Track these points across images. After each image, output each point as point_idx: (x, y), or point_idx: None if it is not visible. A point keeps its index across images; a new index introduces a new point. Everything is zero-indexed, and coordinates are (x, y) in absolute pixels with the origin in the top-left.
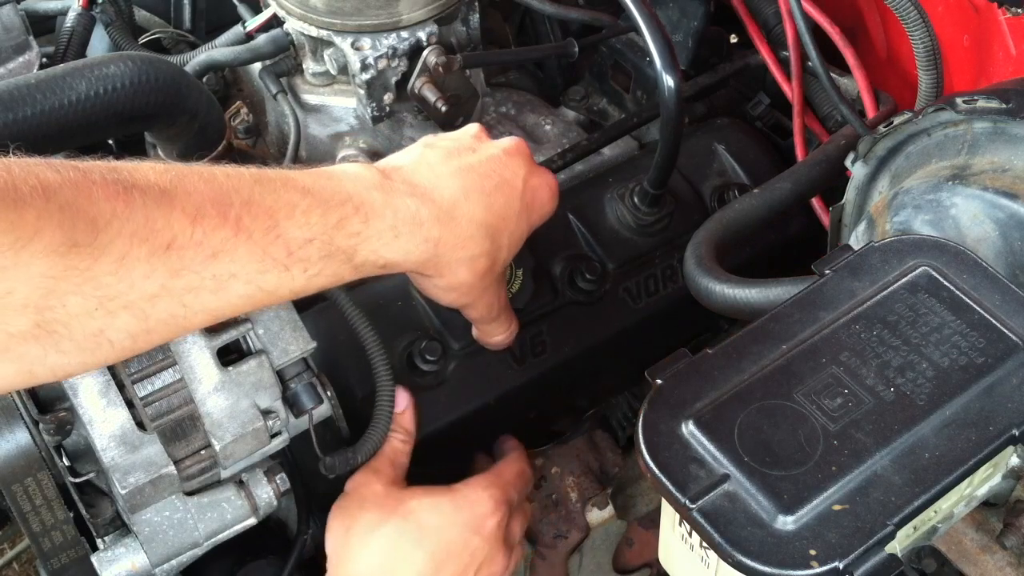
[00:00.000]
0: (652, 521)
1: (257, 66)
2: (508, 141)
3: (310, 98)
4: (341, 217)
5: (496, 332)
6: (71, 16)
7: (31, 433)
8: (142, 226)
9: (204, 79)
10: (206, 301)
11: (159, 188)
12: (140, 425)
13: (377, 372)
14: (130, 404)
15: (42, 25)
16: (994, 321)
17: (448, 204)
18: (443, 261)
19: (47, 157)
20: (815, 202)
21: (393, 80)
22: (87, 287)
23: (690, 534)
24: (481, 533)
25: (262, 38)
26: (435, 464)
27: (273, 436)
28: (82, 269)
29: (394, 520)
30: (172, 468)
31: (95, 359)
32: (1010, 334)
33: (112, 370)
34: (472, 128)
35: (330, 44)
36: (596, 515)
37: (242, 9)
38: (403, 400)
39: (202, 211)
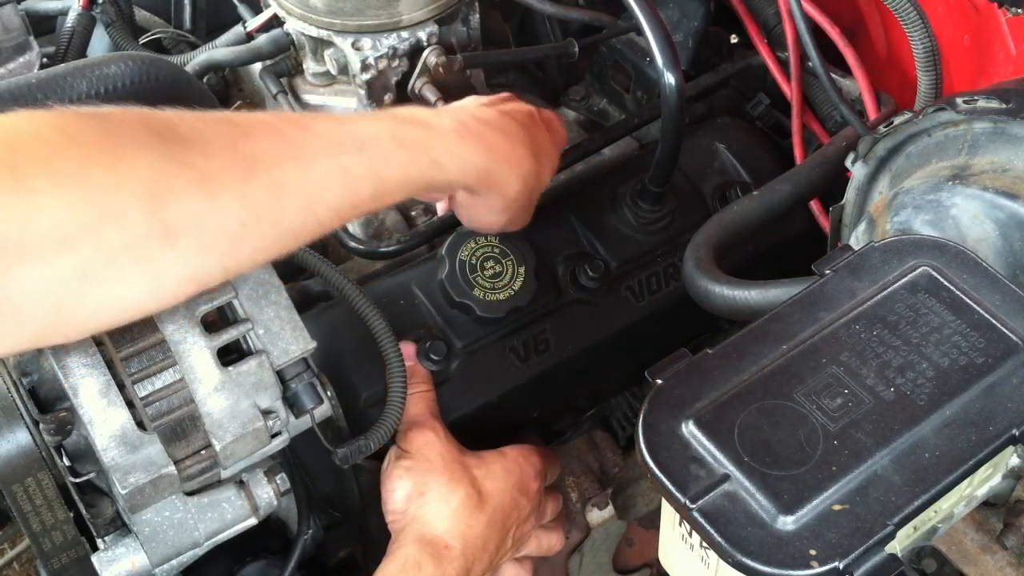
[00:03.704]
0: (652, 521)
1: (257, 66)
2: (500, 94)
3: (310, 98)
4: (404, 121)
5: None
6: (71, 16)
7: (31, 433)
8: (214, 125)
9: (204, 79)
10: (295, 179)
11: (223, 113)
12: (140, 425)
13: (386, 354)
14: (130, 404)
15: (42, 25)
16: (994, 321)
17: (496, 123)
18: (502, 174)
19: None
20: (814, 205)
21: (393, 80)
22: (185, 171)
23: (690, 534)
24: (527, 494)
25: (262, 38)
26: None
27: (273, 436)
28: (174, 155)
29: (463, 489)
30: (172, 468)
31: (214, 260)
32: (1010, 334)
33: (112, 370)
34: (472, 97)
35: (330, 44)
36: (596, 515)
37: (242, 9)
38: (409, 351)
39: (268, 119)
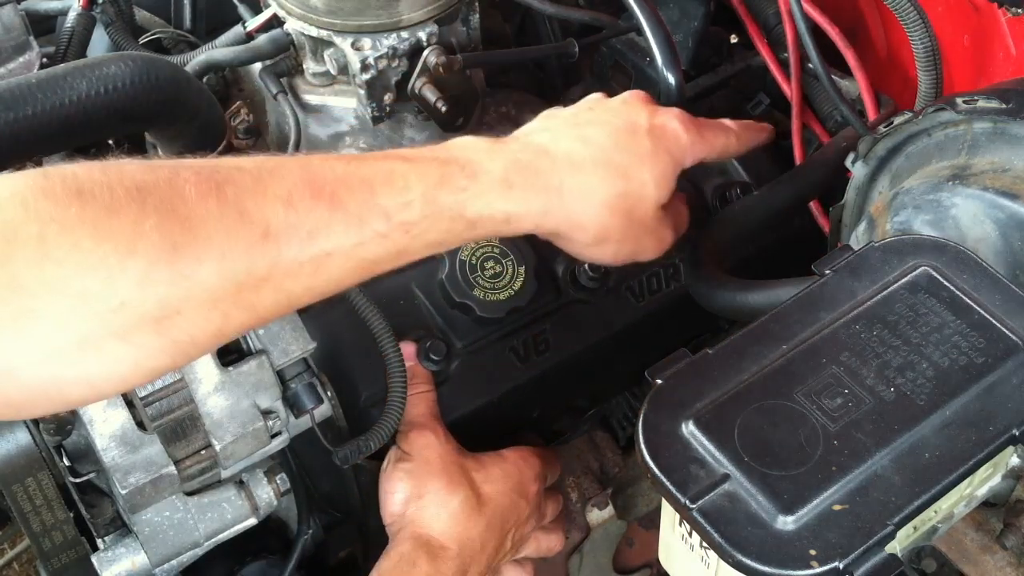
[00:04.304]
0: (652, 521)
1: (257, 66)
2: (626, 93)
3: (310, 98)
4: (444, 175)
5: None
6: (71, 16)
7: (31, 433)
8: (236, 220)
9: (204, 79)
10: (307, 283)
11: (251, 176)
12: (140, 425)
13: (387, 355)
14: (130, 404)
15: (42, 25)
16: (994, 321)
17: (565, 153)
18: (577, 211)
19: (47, 157)
20: (813, 205)
21: (393, 80)
22: (196, 291)
23: (690, 534)
24: (526, 497)
25: (262, 38)
26: None
27: (273, 436)
28: (188, 275)
29: (461, 492)
30: (172, 468)
31: (210, 351)
32: (1010, 334)
33: None
34: (592, 95)
35: (330, 44)
36: (596, 515)
37: (242, 9)
38: (410, 352)
39: (295, 192)
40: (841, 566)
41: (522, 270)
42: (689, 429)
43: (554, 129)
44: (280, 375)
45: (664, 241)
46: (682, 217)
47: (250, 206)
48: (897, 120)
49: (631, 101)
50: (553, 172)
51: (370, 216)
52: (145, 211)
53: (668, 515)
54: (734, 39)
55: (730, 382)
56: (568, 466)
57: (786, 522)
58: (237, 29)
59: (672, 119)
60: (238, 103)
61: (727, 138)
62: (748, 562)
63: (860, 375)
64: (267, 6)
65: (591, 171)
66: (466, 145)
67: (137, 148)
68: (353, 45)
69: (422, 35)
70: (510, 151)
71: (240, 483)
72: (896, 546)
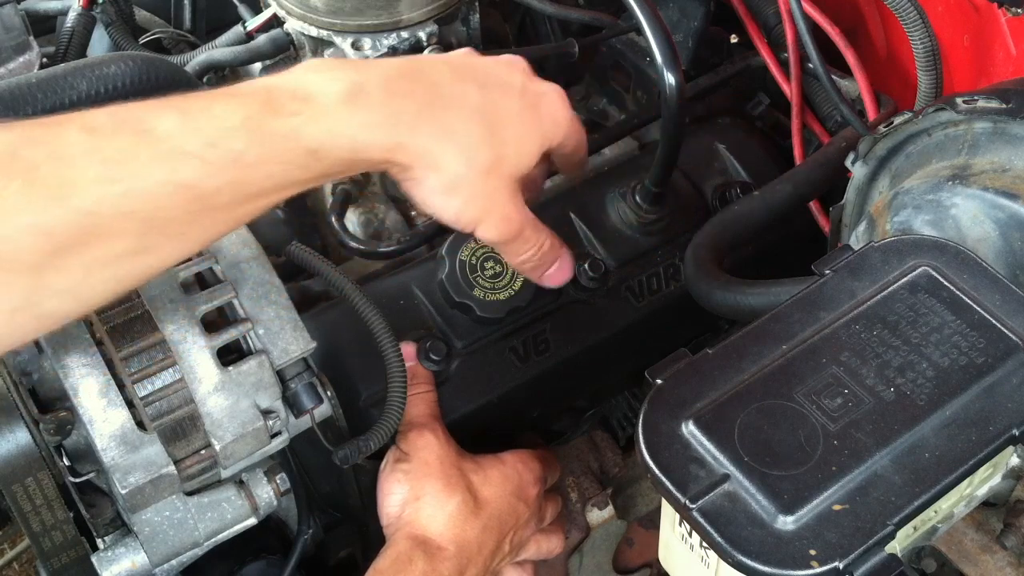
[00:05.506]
0: (652, 521)
1: (257, 66)
2: (508, 55)
3: None
4: (269, 99)
5: (522, 250)
6: (71, 16)
7: (31, 433)
8: (28, 140)
9: (204, 79)
10: (116, 201)
11: (55, 118)
12: (140, 425)
13: (387, 355)
14: (130, 404)
15: (42, 25)
16: (994, 321)
17: (430, 79)
18: (434, 151)
19: None
20: (813, 205)
21: None
22: None
23: (690, 534)
24: (525, 500)
25: (262, 38)
26: None
27: (273, 436)
28: None
29: (459, 494)
30: (172, 468)
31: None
32: (1010, 334)
33: (112, 370)
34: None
35: (330, 44)
36: (596, 515)
37: (242, 9)
38: (410, 352)
39: (97, 123)
40: (841, 566)
41: None
42: (689, 429)
43: (430, 60)
44: (280, 375)
45: (511, 222)
46: (536, 223)
47: (46, 133)
48: (897, 120)
49: (511, 62)
50: (404, 100)
51: (187, 142)
52: None
53: (668, 515)
54: (734, 39)
55: (730, 382)
56: (568, 466)
57: (786, 522)
58: (237, 29)
59: (551, 91)
60: None
61: (582, 137)
62: (748, 562)
63: (860, 375)
64: (267, 6)
65: (456, 107)
66: (310, 66)
67: None
68: (353, 45)
69: (422, 35)
70: (356, 73)
71: (240, 483)
72: (896, 546)
